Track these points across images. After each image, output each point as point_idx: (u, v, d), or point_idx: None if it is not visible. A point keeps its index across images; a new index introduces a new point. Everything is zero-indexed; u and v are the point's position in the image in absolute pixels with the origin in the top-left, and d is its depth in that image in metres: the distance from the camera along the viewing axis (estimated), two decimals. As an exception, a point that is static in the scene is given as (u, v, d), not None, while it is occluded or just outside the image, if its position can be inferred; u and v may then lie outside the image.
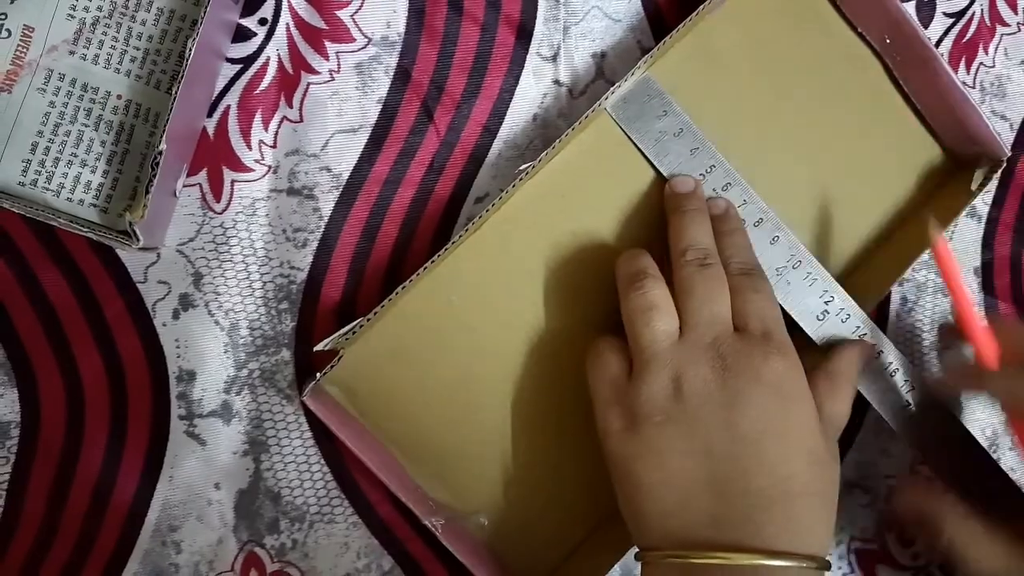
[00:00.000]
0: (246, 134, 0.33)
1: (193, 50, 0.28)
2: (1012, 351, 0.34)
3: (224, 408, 0.33)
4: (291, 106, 0.33)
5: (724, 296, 0.31)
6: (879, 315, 0.39)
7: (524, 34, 0.35)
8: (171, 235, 0.32)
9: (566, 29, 0.36)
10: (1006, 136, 0.41)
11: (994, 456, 0.35)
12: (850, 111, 0.37)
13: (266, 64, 0.33)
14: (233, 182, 0.33)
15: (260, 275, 0.33)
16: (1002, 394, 0.34)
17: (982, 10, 0.41)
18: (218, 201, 0.33)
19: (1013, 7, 0.41)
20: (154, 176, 0.28)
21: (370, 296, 0.34)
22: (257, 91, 0.33)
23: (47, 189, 0.30)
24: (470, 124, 0.35)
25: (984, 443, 0.35)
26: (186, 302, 0.33)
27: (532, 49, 0.35)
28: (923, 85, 0.37)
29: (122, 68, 0.30)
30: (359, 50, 0.34)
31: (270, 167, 0.33)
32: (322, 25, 0.34)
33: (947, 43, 0.40)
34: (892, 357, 0.34)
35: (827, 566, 0.28)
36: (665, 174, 0.34)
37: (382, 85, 0.34)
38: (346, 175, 0.34)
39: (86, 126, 0.30)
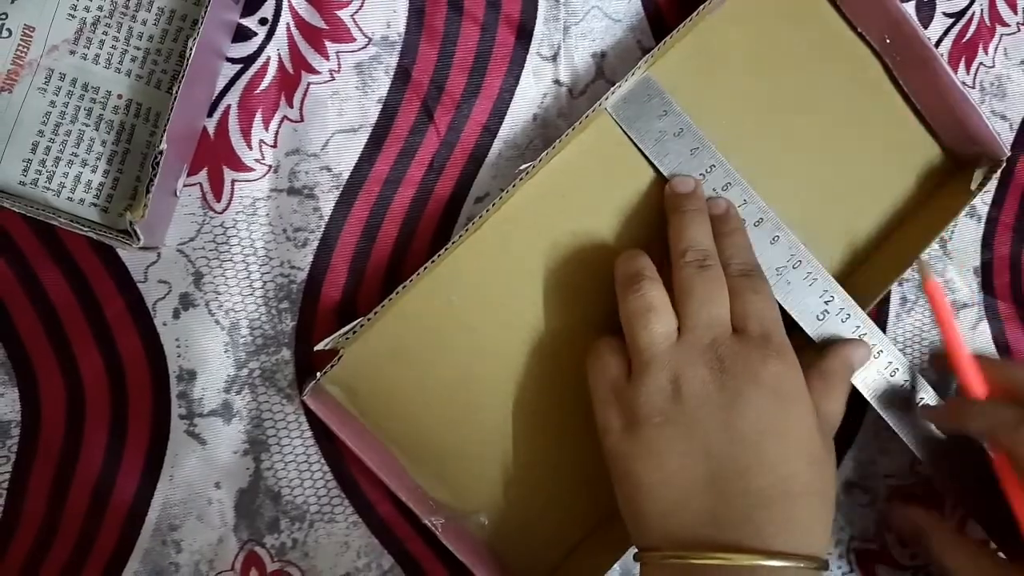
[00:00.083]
0: (246, 134, 0.33)
1: (194, 50, 0.28)
2: (1000, 388, 0.34)
3: (224, 407, 0.33)
4: (291, 106, 0.33)
5: (723, 298, 0.31)
6: (879, 315, 0.39)
7: (524, 34, 0.35)
8: (171, 235, 0.32)
9: (566, 29, 0.36)
10: (1006, 136, 0.41)
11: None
12: (850, 111, 0.37)
13: (266, 64, 0.33)
14: (233, 182, 0.33)
15: (260, 275, 0.33)
16: (986, 425, 0.33)
17: (982, 10, 0.41)
18: (218, 201, 0.33)
19: (1013, 7, 0.41)
20: (154, 176, 0.28)
21: (370, 296, 0.34)
22: (257, 91, 0.33)
23: (48, 188, 0.30)
24: (470, 124, 0.35)
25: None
26: (186, 301, 0.33)
27: (532, 49, 0.35)
28: (923, 85, 0.37)
29: (123, 68, 0.30)
30: (359, 50, 0.34)
31: (270, 167, 0.33)
32: (322, 25, 0.34)
33: (947, 43, 0.40)
34: (892, 357, 0.34)
35: (825, 566, 0.28)
36: (665, 174, 0.34)
37: (382, 85, 0.34)
38: (346, 175, 0.34)
39: (87, 126, 0.30)
